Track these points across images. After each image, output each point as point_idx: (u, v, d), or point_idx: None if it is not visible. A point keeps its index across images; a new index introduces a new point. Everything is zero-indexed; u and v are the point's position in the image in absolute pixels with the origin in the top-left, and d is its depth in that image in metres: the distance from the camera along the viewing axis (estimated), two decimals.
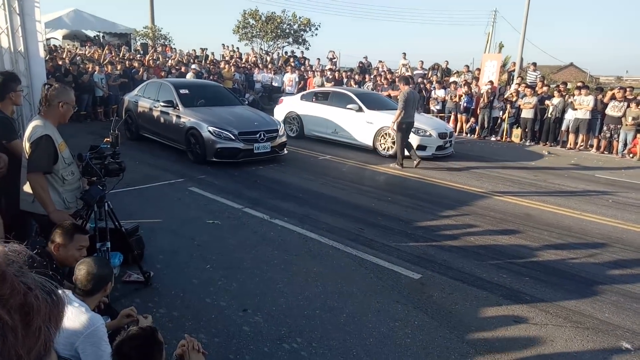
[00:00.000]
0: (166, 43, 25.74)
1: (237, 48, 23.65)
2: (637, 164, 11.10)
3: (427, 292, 4.12)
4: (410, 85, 9.72)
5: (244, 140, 8.49)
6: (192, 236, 5.13)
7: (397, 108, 9.55)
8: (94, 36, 24.70)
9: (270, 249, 4.88)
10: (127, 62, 15.79)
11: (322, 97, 11.90)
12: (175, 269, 4.35)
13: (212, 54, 20.92)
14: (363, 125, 10.59)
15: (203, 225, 5.50)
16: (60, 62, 13.68)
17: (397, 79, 16.23)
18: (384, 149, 10.27)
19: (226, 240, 5.07)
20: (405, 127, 9.12)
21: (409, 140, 9.48)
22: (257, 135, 8.66)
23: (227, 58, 21.07)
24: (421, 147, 9.93)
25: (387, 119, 9.89)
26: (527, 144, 13.17)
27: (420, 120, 10.28)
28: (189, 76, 15.71)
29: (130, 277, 4.06)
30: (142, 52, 21.44)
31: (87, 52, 18.22)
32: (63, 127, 3.38)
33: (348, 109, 10.89)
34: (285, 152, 9.41)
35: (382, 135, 10.26)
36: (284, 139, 9.28)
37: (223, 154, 8.39)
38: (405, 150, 9.28)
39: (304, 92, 12.98)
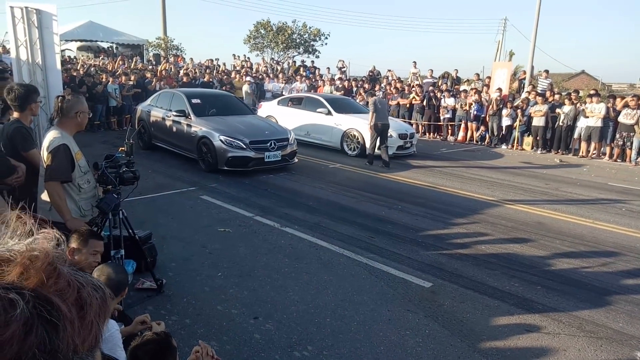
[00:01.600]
0: (178, 53, 26.09)
1: (248, 58, 23.91)
2: None
3: (438, 301, 4.11)
4: (375, 96, 10.94)
5: (255, 149, 8.58)
6: (203, 244, 5.18)
7: (364, 112, 11.67)
8: (108, 47, 25.15)
9: (281, 257, 4.91)
10: (140, 73, 16.05)
11: (296, 102, 12.90)
12: (187, 276, 4.40)
13: (224, 64, 21.16)
14: (332, 127, 11.55)
15: (214, 233, 5.55)
16: (74, 73, 13.95)
17: (406, 89, 16.29)
18: (351, 149, 11.22)
19: (237, 249, 5.11)
20: (380, 127, 9.86)
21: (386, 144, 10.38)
22: (268, 144, 8.74)
23: (238, 68, 21.30)
24: None
25: (354, 122, 11.19)
26: (539, 152, 13.09)
27: None
28: (245, 88, 16.14)
29: (143, 285, 4.11)
30: (154, 62, 21.75)
31: (100, 63, 18.57)
32: (78, 137, 3.46)
33: (318, 112, 11.83)
34: (296, 160, 9.47)
35: (349, 137, 11.23)
36: (294, 147, 9.35)
37: (234, 162, 8.47)
38: (377, 150, 10.01)
39: (281, 98, 13.95)
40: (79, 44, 24.30)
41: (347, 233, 5.70)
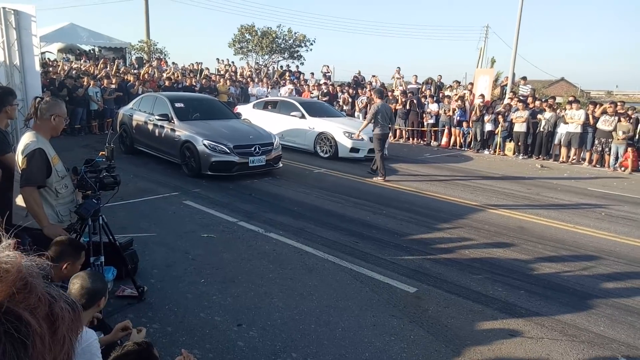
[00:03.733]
0: (161, 57, 25.86)
1: (232, 62, 23.82)
2: (629, 177, 11.22)
3: (422, 306, 4.11)
4: (383, 99, 10.28)
5: (239, 154, 8.51)
6: (186, 250, 5.10)
7: (338, 116, 11.95)
8: (89, 50, 24.79)
9: (265, 263, 4.86)
10: (122, 76, 15.84)
11: (271, 106, 13.16)
12: (170, 283, 4.32)
13: (207, 69, 21.05)
14: (306, 131, 11.78)
15: (198, 239, 5.47)
16: (54, 76, 13.69)
17: (390, 93, 16.40)
18: (323, 152, 11.48)
19: (221, 254, 5.04)
20: (381, 138, 9.32)
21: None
22: (252, 149, 8.68)
23: (222, 72, 21.19)
24: (354, 150, 11.16)
25: (327, 125, 11.51)
26: (520, 157, 13.28)
27: (354, 125, 11.58)
28: (285, 90, 16.10)
29: (124, 292, 4.02)
30: (137, 66, 21.52)
31: (81, 66, 18.29)
32: (57, 140, 3.38)
33: (292, 116, 12.11)
34: (281, 165, 9.43)
35: (322, 139, 11.49)
36: (279, 152, 9.31)
37: (218, 167, 8.39)
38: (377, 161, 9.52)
39: (256, 101, 14.13)
40: (59, 46, 23.90)
41: (331, 238, 5.68)
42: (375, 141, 9.37)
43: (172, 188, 7.75)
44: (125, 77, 15.68)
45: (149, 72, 17.83)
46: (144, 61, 22.71)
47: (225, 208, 6.73)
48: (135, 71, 18.00)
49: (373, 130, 9.43)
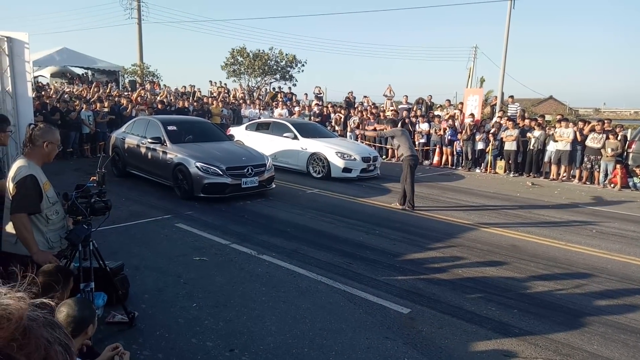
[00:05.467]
0: (154, 80, 26.03)
1: (225, 84, 24.01)
2: (618, 194, 11.34)
3: (416, 327, 4.09)
4: (398, 124, 10.23)
5: (232, 176, 8.52)
6: (178, 274, 5.06)
7: (330, 136, 12.41)
8: (82, 74, 24.92)
9: (258, 286, 4.83)
10: (115, 99, 15.90)
11: (264, 127, 13.27)
12: (161, 308, 4.27)
13: (199, 90, 21.18)
14: (298, 151, 11.91)
15: (190, 262, 5.44)
16: (47, 100, 13.72)
17: (381, 115, 16.59)
18: (316, 172, 11.52)
19: (213, 278, 5.01)
20: (412, 163, 8.54)
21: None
22: (245, 170, 8.70)
23: (214, 94, 21.34)
24: (347, 170, 11.24)
25: (319, 146, 11.63)
26: (511, 175, 13.40)
27: (346, 146, 11.95)
28: (278, 113, 16.64)
29: (114, 318, 3.97)
30: (130, 89, 21.63)
31: (74, 90, 18.35)
32: (49, 164, 3.37)
33: (285, 137, 12.17)
34: (274, 186, 9.45)
35: (314, 160, 11.59)
36: (272, 173, 9.34)
37: (211, 189, 8.39)
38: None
39: (249, 123, 14.29)
40: (52, 70, 24.02)
41: (325, 259, 5.67)
42: (405, 167, 8.54)
43: (164, 211, 7.72)
44: (118, 100, 15.74)
45: (142, 95, 17.92)
46: (137, 84, 22.84)
47: (218, 230, 6.70)
48: (128, 94, 18.09)
49: (401, 155, 8.75)
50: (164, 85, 23.10)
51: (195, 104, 17.35)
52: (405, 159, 8.63)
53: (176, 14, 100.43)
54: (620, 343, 3.95)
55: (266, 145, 11.96)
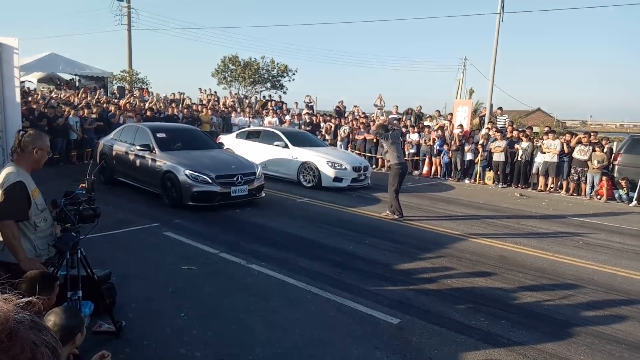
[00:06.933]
0: (143, 87, 25.90)
1: (215, 92, 23.98)
2: (604, 205, 11.50)
3: (406, 337, 4.09)
4: (391, 129, 9.89)
5: (221, 184, 8.47)
6: (166, 283, 5.00)
7: (321, 145, 12.66)
8: (70, 79, 24.71)
9: (247, 296, 4.80)
10: (103, 106, 15.78)
11: (254, 135, 13.21)
12: (149, 318, 4.22)
13: (189, 98, 21.12)
14: (289, 160, 11.85)
15: (178, 271, 5.38)
16: (34, 106, 13.57)
17: (371, 123, 16.69)
18: (307, 181, 11.48)
19: (202, 287, 4.96)
20: (401, 171, 8.49)
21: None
22: (235, 179, 8.65)
23: (204, 102, 21.30)
24: (337, 179, 11.21)
25: (310, 155, 11.61)
26: (500, 186, 13.53)
27: (337, 155, 11.99)
28: (268, 122, 16.77)
29: (101, 327, 3.91)
30: (119, 95, 21.49)
31: (62, 96, 18.18)
32: (35, 171, 3.33)
33: (276, 145, 12.13)
34: (263, 195, 9.42)
35: (305, 169, 11.53)
36: (261, 181, 9.31)
37: (200, 197, 8.33)
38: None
39: (239, 131, 14.19)
40: (39, 75, 23.78)
41: (315, 269, 5.65)
42: (392, 176, 8.47)
43: (152, 219, 7.65)
44: (106, 107, 15.63)
45: (131, 101, 17.82)
46: (126, 91, 22.70)
47: (207, 239, 6.65)
48: (116, 101, 17.97)
49: (388, 161, 8.59)
50: (155, 93, 22.97)
51: (184, 111, 17.28)
52: (393, 167, 8.65)
53: (166, 21, 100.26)
54: (606, 353, 3.98)
55: (257, 153, 11.92)
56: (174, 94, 22.54)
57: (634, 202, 11.66)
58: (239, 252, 6.14)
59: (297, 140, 12.44)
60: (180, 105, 19.07)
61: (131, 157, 9.64)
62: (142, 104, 18.06)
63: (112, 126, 13.36)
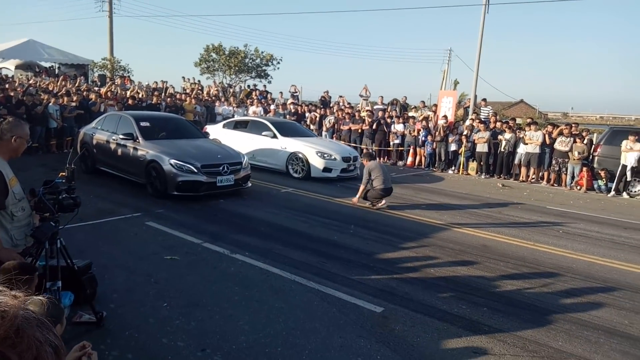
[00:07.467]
0: (125, 75, 25.43)
1: (199, 81, 23.68)
2: (584, 195, 11.73)
3: (389, 326, 4.12)
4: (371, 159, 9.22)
5: (207, 173, 8.37)
6: (148, 273, 4.96)
7: (310, 135, 12.43)
8: (49, 67, 24.13)
9: (230, 285, 4.78)
10: (83, 94, 15.46)
11: (242, 125, 13.02)
12: (130, 308, 4.18)
13: (172, 87, 20.81)
14: (278, 151, 11.71)
15: (160, 261, 5.33)
16: (12, 93, 13.23)
17: (357, 114, 16.70)
18: (296, 172, 11.38)
19: (185, 277, 4.93)
20: (383, 194, 8.59)
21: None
22: (221, 168, 8.56)
23: (187, 90, 21.02)
24: (327, 170, 11.16)
25: (299, 145, 11.49)
26: (483, 176, 13.68)
27: (326, 145, 11.90)
28: (253, 111, 16.70)
29: (82, 318, 3.86)
30: (99, 83, 21.07)
31: (41, 83, 17.76)
32: (14, 160, 3.25)
33: (264, 135, 11.98)
34: (250, 185, 9.36)
35: (294, 159, 11.42)
36: (248, 171, 9.23)
37: (185, 187, 8.21)
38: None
39: (226, 121, 13.98)
40: (17, 62, 23.17)
41: (299, 259, 5.65)
42: (373, 191, 8.52)
43: (134, 209, 7.55)
44: (87, 95, 15.31)
45: (112, 90, 17.49)
46: (107, 79, 22.27)
47: (190, 229, 6.60)
48: (97, 89, 17.61)
49: (374, 187, 8.54)
50: (139, 82, 22.58)
51: (167, 100, 17.04)
52: (377, 189, 8.49)
53: (149, 8, 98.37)
54: (584, 339, 4.08)
55: (244, 143, 11.78)
56: (156, 82, 22.21)
57: (612, 193, 11.91)
58: (223, 242, 6.11)
59: (286, 130, 12.30)
60: (163, 94, 18.80)
61: (114, 146, 9.46)
62: (123, 92, 17.75)
63: (93, 115, 13.12)
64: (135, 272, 4.98)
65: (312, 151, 11.25)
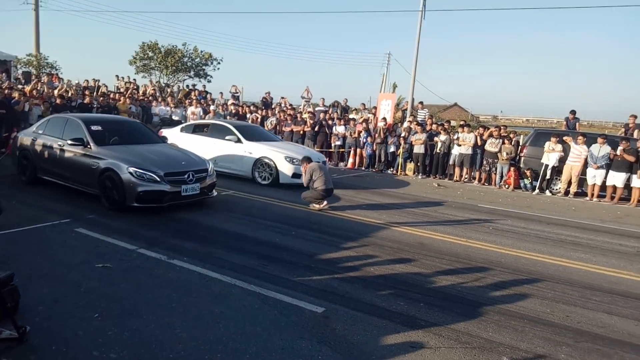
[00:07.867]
0: (53, 72, 23.92)
1: (134, 80, 22.73)
2: (511, 194, 12.48)
3: (330, 325, 4.16)
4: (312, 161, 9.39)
5: (171, 182, 7.63)
6: (78, 283, 4.68)
7: (275, 140, 12.47)
8: None
9: (168, 292, 4.62)
10: (5, 92, 14.35)
11: (201, 129, 12.50)
12: (57, 320, 3.92)
13: (105, 85, 19.83)
14: (242, 156, 11.28)
15: (91, 270, 5.05)
16: None
17: (298, 116, 16.73)
18: (263, 178, 10.99)
19: (118, 286, 4.70)
20: (324, 195, 8.74)
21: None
22: (185, 176, 7.83)
23: (122, 90, 20.13)
24: (296, 175, 10.58)
25: (266, 150, 11.07)
26: (420, 177, 14.19)
27: (295, 150, 11.45)
28: (191, 111, 16.09)
29: (1, 334, 3.57)
30: (24, 81, 19.67)
31: None
32: None
33: (227, 140, 11.53)
34: (215, 193, 8.78)
35: (261, 165, 11.02)
36: (213, 179, 8.56)
37: (146, 198, 7.45)
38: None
39: (184, 125, 13.41)
40: None
41: (239, 262, 5.57)
42: (313, 193, 8.68)
43: (62, 215, 7.11)
44: (9, 93, 14.23)
45: (38, 88, 16.38)
46: (32, 76, 20.83)
47: (124, 235, 6.31)
48: (21, 87, 16.42)
49: (316, 188, 8.67)
50: (68, 80, 21.27)
51: (100, 99, 16.20)
52: (318, 190, 8.61)
53: (80, 3, 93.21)
54: (511, 329, 4.34)
55: (205, 149, 11.14)
56: (87, 80, 21.08)
57: (537, 191, 12.77)
58: (160, 247, 5.90)
59: (250, 134, 11.81)
60: (95, 93, 17.87)
61: (60, 153, 8.47)
62: (50, 91, 16.67)
63: (16, 114, 12.21)
64: (64, 282, 4.69)
65: (281, 156, 10.80)
